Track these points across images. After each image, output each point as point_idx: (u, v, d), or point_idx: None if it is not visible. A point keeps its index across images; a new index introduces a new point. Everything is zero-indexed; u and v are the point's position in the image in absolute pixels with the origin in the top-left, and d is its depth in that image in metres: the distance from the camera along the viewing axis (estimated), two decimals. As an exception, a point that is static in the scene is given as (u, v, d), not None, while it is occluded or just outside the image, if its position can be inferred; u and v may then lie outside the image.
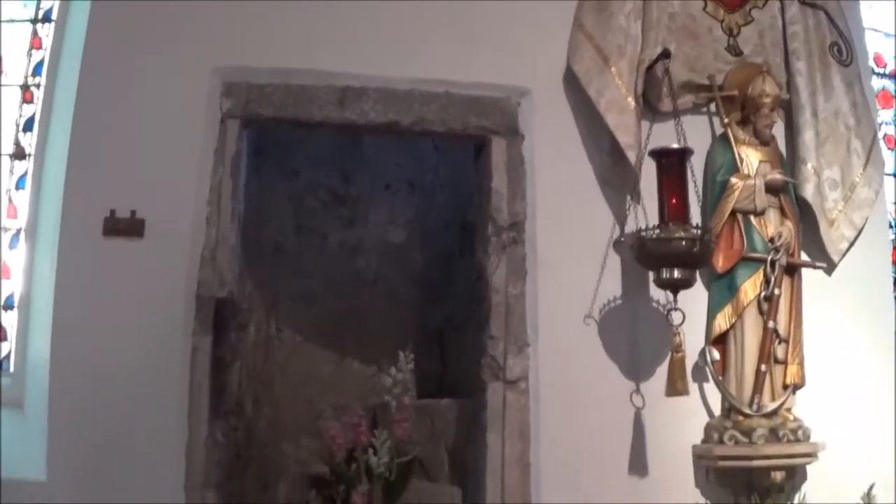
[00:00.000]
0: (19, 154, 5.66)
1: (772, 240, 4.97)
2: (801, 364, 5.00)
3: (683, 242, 4.65)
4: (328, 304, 5.96)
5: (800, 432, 4.89)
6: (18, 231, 5.62)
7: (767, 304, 4.93)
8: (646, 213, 4.90)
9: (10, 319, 5.57)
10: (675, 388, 4.72)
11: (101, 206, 4.92)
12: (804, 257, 5.17)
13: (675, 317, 4.73)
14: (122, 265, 4.90)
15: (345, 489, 4.93)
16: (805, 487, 5.00)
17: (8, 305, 5.58)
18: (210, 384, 4.83)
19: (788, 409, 4.96)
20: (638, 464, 4.94)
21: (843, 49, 5.58)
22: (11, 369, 5.52)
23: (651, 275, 4.83)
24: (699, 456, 4.96)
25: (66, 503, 4.80)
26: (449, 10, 5.19)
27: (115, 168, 4.94)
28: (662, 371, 4.81)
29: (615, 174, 5.07)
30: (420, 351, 5.51)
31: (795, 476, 4.97)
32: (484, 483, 4.87)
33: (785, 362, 4.96)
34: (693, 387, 4.93)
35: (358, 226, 6.13)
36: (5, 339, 5.57)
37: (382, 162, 6.14)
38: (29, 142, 5.67)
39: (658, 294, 4.91)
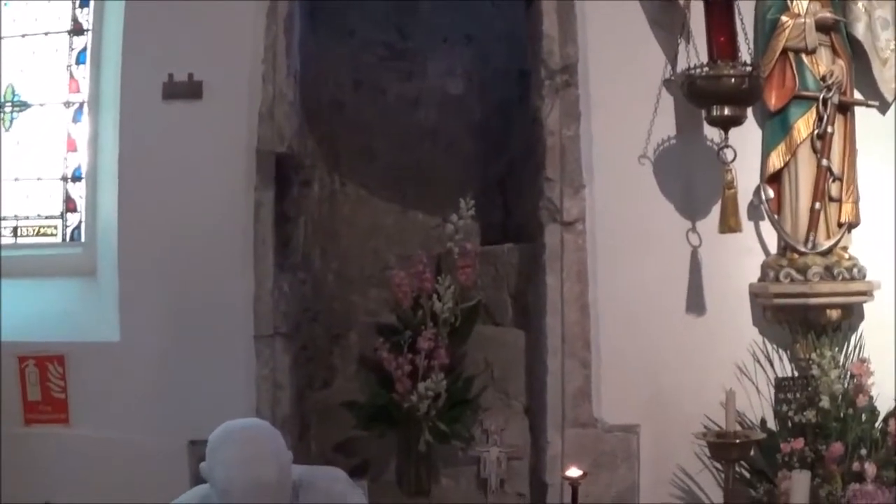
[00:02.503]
0: (77, 30, 5.78)
1: (823, 78, 4.91)
2: (855, 203, 4.96)
3: (732, 79, 4.60)
4: (390, 157, 6.02)
5: (855, 270, 4.86)
6: (81, 104, 5.77)
7: (821, 142, 4.89)
8: (697, 52, 4.84)
9: (79, 191, 5.77)
10: (728, 224, 4.72)
11: (158, 71, 5.07)
12: (857, 96, 5.13)
13: (727, 154, 4.71)
14: (182, 128, 5.07)
15: (411, 335, 5.07)
16: (862, 327, 4.97)
17: (76, 177, 5.77)
18: (274, 238, 4.99)
19: (844, 248, 4.93)
20: (695, 302, 4.98)
21: None
22: (83, 239, 5.72)
23: (703, 113, 4.82)
24: (755, 294, 4.97)
25: (139, 361, 5.04)
26: None
27: (171, 33, 5.06)
28: (718, 210, 4.79)
29: (664, 14, 5.00)
30: (483, 200, 5.64)
31: (852, 315, 4.94)
32: (545, 324, 4.97)
33: (840, 200, 4.92)
34: (749, 225, 4.95)
35: (416, 79, 6.15)
36: (75, 209, 5.75)
37: (438, 17, 6.11)
38: (86, 17, 5.78)
39: (711, 132, 4.89)
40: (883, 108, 5.17)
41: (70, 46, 5.81)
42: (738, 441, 4.41)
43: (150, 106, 5.07)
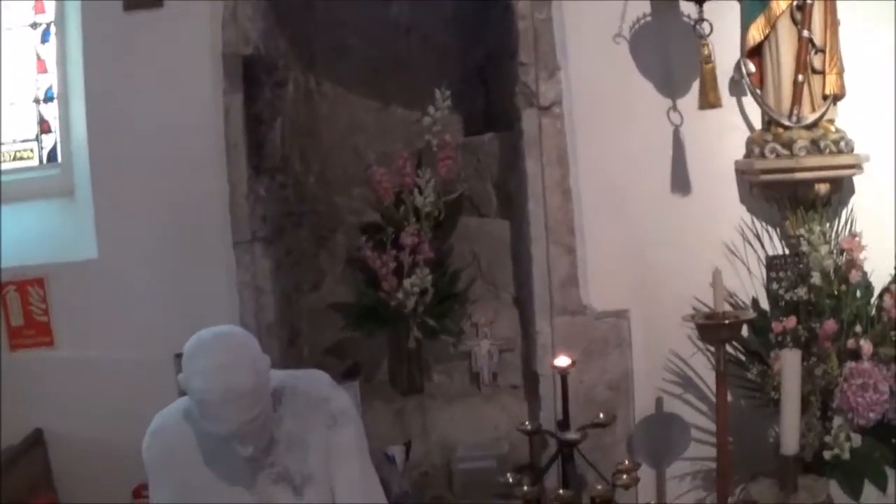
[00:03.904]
0: (38, -54, 5.66)
1: (800, -53, 4.81)
2: (839, 74, 4.82)
3: (704, -46, 4.50)
4: (365, 54, 5.87)
5: (842, 143, 4.74)
6: (48, 25, 5.68)
7: (801, 13, 4.76)
8: (670, -77, 4.74)
9: (52, 111, 5.71)
10: (708, 99, 4.60)
11: (119, -16, 4.93)
12: (835, -31, 5.01)
13: (704, 27, 4.56)
14: (146, 37, 4.97)
15: (394, 231, 5.02)
16: (853, 201, 4.88)
17: (48, 98, 5.70)
18: (246, 141, 4.92)
19: (830, 121, 4.80)
20: (680, 182, 4.90)
21: None
22: (59, 160, 5.67)
23: (678, -11, 4.70)
24: (741, 171, 4.88)
25: (118, 277, 5.03)
26: None
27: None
28: (698, 87, 4.67)
29: None
30: (463, 90, 5.61)
31: (842, 189, 4.85)
32: (527, 212, 4.90)
33: (823, 72, 4.79)
34: (731, 101, 4.84)
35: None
36: (50, 131, 5.69)
37: None
38: (47, -65, 5.65)
39: (688, 7, 4.71)
40: (864, -15, 5.04)
41: (31, -33, 5.70)
42: (726, 321, 4.28)
43: (111, 19, 4.96)
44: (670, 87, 4.89)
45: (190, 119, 4.93)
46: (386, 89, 5.88)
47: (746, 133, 4.93)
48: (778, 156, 4.71)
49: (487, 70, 5.85)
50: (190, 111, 4.93)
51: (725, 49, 4.74)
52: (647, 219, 4.89)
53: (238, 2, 4.88)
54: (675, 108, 4.88)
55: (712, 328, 4.31)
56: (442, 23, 5.90)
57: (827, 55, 4.81)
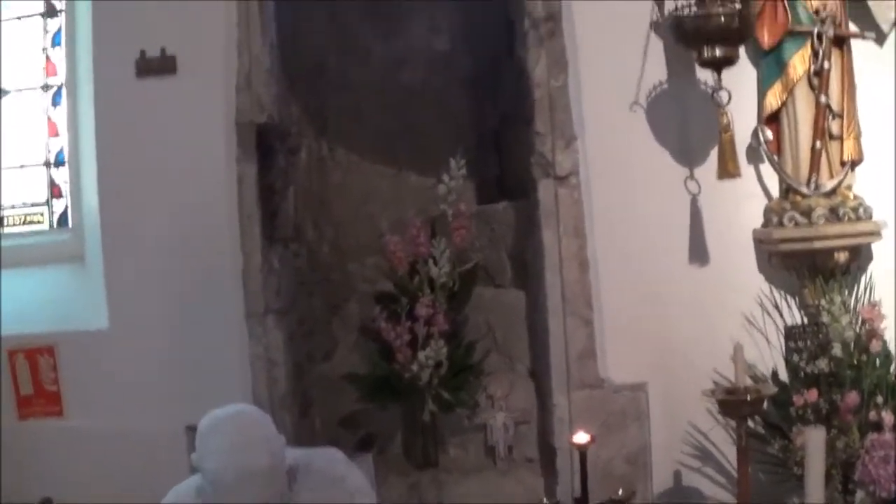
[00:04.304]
0: (50, 11, 5.64)
1: (817, 11, 4.75)
2: (857, 139, 4.79)
3: (722, 18, 4.41)
4: (379, 119, 5.84)
5: (861, 210, 4.70)
6: (59, 87, 5.63)
7: (818, 79, 4.73)
8: (684, -16, 4.71)
9: (63, 175, 5.64)
10: (727, 169, 4.57)
11: (130, 48, 4.91)
12: (852, 28, 4.97)
13: (722, 96, 4.54)
14: (159, 105, 4.93)
15: (408, 302, 4.97)
16: (871, 268, 4.81)
17: (59, 162, 5.64)
18: (260, 211, 4.87)
19: (848, 187, 4.77)
20: (698, 252, 4.85)
21: None
22: (70, 225, 5.62)
23: (694, 55, 4.64)
24: (759, 240, 4.82)
25: (129, 347, 4.95)
26: None
27: (141, 8, 4.88)
28: (716, 155, 4.63)
29: (648, -47, 4.88)
30: (477, 157, 5.58)
31: (860, 256, 4.79)
32: (544, 283, 4.85)
33: (841, 138, 4.76)
34: (748, 169, 4.80)
35: (400, 37, 5.94)
36: (61, 195, 5.64)
37: (416, -34, 5.91)
38: (59, -3, 5.63)
39: (704, 75, 4.71)
40: (880, 38, 5.02)
41: (44, 29, 5.68)
42: (748, 397, 4.21)
43: (124, 85, 4.92)
44: (687, 155, 4.85)
45: (203, 187, 4.87)
46: (399, 155, 5.84)
47: (764, 201, 4.88)
48: (797, 224, 4.67)
49: (502, 135, 5.83)
50: (203, 179, 4.87)
51: (742, 115, 4.71)
52: (664, 289, 4.82)
53: (252, 68, 4.85)
54: (692, 176, 4.83)
55: (734, 404, 4.24)
56: (455, 86, 5.89)
57: (844, 120, 4.79)
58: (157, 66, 4.89)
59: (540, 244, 4.85)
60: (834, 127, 4.75)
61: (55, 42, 5.65)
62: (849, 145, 4.79)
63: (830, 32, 4.73)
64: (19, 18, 5.68)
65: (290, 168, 5.22)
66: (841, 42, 4.83)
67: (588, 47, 4.82)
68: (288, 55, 5.36)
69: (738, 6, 4.47)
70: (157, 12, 4.86)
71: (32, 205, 5.73)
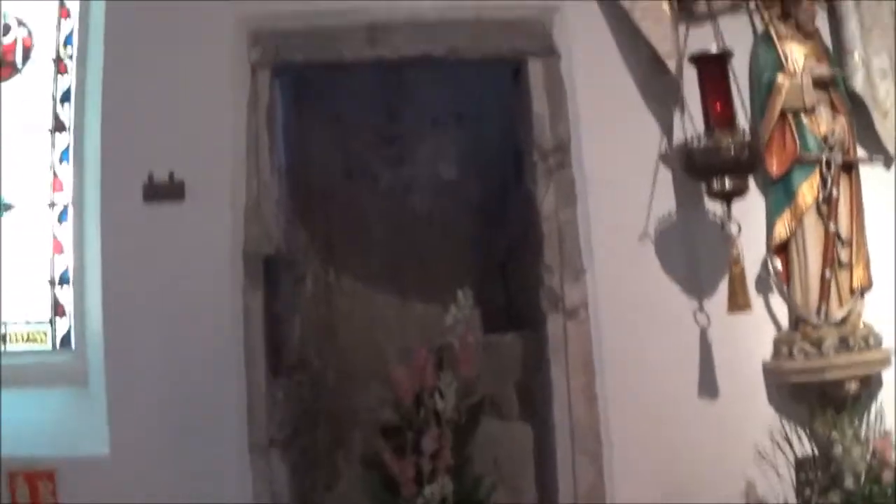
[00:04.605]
0: (59, 127, 5.61)
1: (825, 138, 4.76)
2: (866, 266, 4.80)
3: (731, 150, 4.44)
4: (386, 246, 5.84)
5: (871, 339, 4.70)
6: (66, 206, 5.57)
7: (827, 207, 4.74)
8: (693, 122, 4.70)
9: (67, 295, 5.55)
10: (737, 303, 4.54)
11: (138, 172, 4.88)
12: (860, 153, 4.96)
13: (732, 228, 4.54)
14: (165, 230, 4.87)
15: (413, 436, 4.90)
16: (882, 395, 4.79)
17: (63, 281, 5.56)
18: (266, 342, 4.79)
19: (858, 315, 4.77)
20: (707, 386, 4.81)
21: (881, -71, 5.36)
22: (73, 345, 5.51)
23: (703, 186, 4.65)
24: (770, 372, 4.80)
25: (130, 476, 4.81)
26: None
27: (149, 132, 4.88)
28: (725, 286, 4.61)
29: (656, 84, 4.86)
30: (483, 285, 5.50)
31: (871, 384, 4.77)
32: (552, 419, 4.80)
33: (850, 266, 4.77)
34: (758, 299, 4.79)
35: (407, 164, 5.97)
36: (63, 314, 5.56)
37: (426, 96, 5.95)
38: (67, 114, 5.60)
39: (713, 205, 4.72)
40: (887, 162, 5.03)
41: (52, 144, 5.62)
42: (761, 534, 4.17)
43: (131, 208, 4.87)
44: (697, 287, 4.83)
45: (208, 315, 4.80)
46: (405, 283, 5.82)
47: (774, 331, 4.86)
48: (807, 356, 4.65)
49: (509, 264, 5.81)
50: (208, 307, 4.80)
51: (751, 244, 4.71)
52: (674, 425, 4.76)
53: (261, 197, 4.83)
54: (701, 308, 4.82)
55: (747, 541, 4.19)
56: (463, 214, 5.90)
57: (854, 248, 4.79)
58: (164, 190, 4.86)
59: (548, 379, 4.81)
60: (843, 254, 4.75)
61: (63, 158, 5.60)
62: (858, 273, 4.80)
63: (839, 159, 4.76)
64: (26, 132, 5.66)
65: (296, 296, 5.18)
66: (849, 168, 4.85)
67: (597, 179, 4.84)
68: (296, 181, 5.35)
69: (747, 137, 4.48)
70: (167, 136, 4.86)
71: (36, 323, 5.62)
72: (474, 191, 5.91)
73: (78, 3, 5.57)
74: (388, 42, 4.85)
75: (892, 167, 5.03)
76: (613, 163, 4.83)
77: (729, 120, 4.54)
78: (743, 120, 4.67)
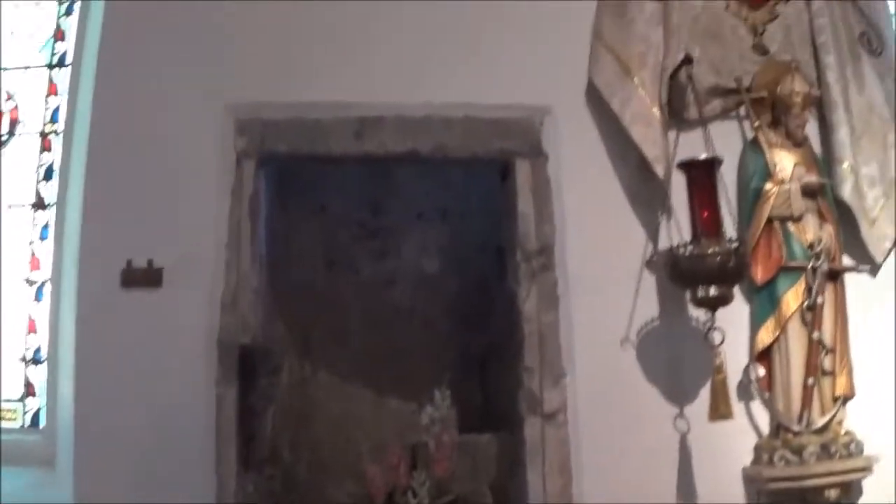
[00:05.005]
0: (39, 204, 5.59)
1: (811, 246, 4.76)
2: (849, 374, 4.78)
3: (718, 258, 4.42)
4: (364, 339, 5.77)
5: (852, 446, 4.68)
6: (43, 283, 5.56)
7: (811, 314, 4.72)
8: (679, 228, 4.72)
9: (39, 374, 5.51)
10: (718, 412, 4.51)
11: (117, 256, 4.83)
12: (846, 261, 4.96)
13: (715, 336, 4.52)
14: (141, 317, 4.81)
15: (385, 534, 4.84)
16: (860, 501, 4.79)
17: (36, 360, 5.52)
18: (238, 434, 4.71)
19: (839, 423, 4.75)
20: (686, 491, 4.74)
21: (874, 39, 5.39)
22: (42, 426, 5.47)
23: (688, 293, 4.62)
24: (749, 478, 4.75)
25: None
26: (462, 31, 5.05)
27: (131, 216, 4.84)
28: (706, 392, 4.59)
29: (644, 189, 4.88)
30: (461, 382, 5.42)
31: (851, 492, 4.75)
32: (528, 523, 4.72)
33: (833, 373, 4.74)
34: (739, 405, 4.76)
35: (390, 257, 5.94)
36: (34, 394, 5.50)
37: (412, 190, 5.94)
38: (49, 191, 5.61)
39: (697, 311, 4.69)
40: (873, 270, 5.02)
41: (33, 221, 5.63)
42: None
43: (108, 292, 4.81)
44: (678, 393, 4.79)
45: (180, 404, 4.71)
46: (381, 378, 5.74)
47: (755, 437, 4.81)
48: (787, 463, 4.62)
49: (488, 363, 5.75)
50: (181, 396, 4.71)
51: (733, 349, 4.67)
52: (650, 528, 4.71)
53: (239, 288, 4.77)
54: (682, 414, 4.77)
55: None
56: (442, 309, 5.85)
57: (837, 355, 4.79)
58: (142, 277, 4.80)
59: (524, 482, 4.73)
60: (826, 362, 4.73)
61: (43, 236, 5.59)
62: (841, 381, 4.79)
63: (825, 267, 4.76)
64: (10, 207, 5.64)
65: (270, 388, 5.10)
66: (835, 275, 4.84)
67: (580, 282, 4.81)
68: (277, 271, 5.31)
69: (734, 246, 4.46)
70: (148, 220, 4.82)
71: (6, 401, 5.56)
72: (456, 286, 5.87)
73: (67, 79, 5.58)
74: (376, 137, 4.84)
75: (878, 275, 5.02)
76: (598, 266, 4.81)
77: (716, 228, 4.52)
78: (730, 227, 4.66)
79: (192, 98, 4.87)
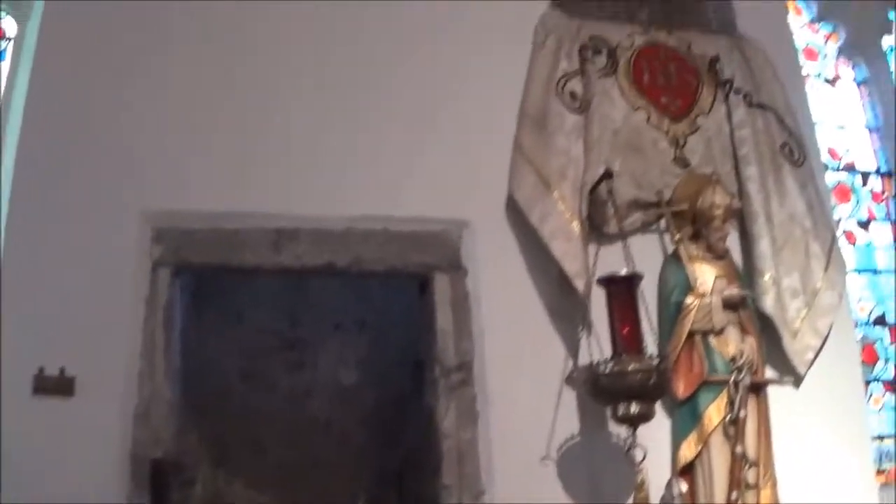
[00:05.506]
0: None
1: (733, 359, 4.75)
2: (774, 486, 4.77)
3: (639, 375, 4.40)
4: (280, 451, 5.66)
5: (777, 563, 4.66)
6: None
7: (734, 428, 4.69)
8: (599, 343, 4.68)
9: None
10: (642, 529, 4.46)
11: (30, 363, 4.68)
12: (769, 373, 4.98)
13: (637, 454, 4.47)
14: (52, 427, 4.65)
15: None
16: None
17: (-51, 465, 5.35)
18: (148, 553, 4.57)
19: (764, 534, 4.72)
20: None
21: (795, 149, 5.47)
22: (-53, 531, 5.28)
23: (608, 409, 4.57)
24: None
25: None
26: (381, 143, 5.04)
27: (44, 322, 4.69)
28: (630, 511, 4.55)
29: (564, 304, 4.86)
30: (379, 497, 5.41)
31: None
32: None
33: (757, 487, 4.71)
34: (663, 521, 4.70)
35: (307, 369, 5.88)
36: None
37: (330, 301, 5.90)
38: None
39: (618, 428, 4.64)
40: (797, 382, 5.03)
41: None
42: None
43: (19, 399, 4.66)
44: (597, 510, 4.72)
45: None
46: (299, 491, 5.60)
47: (680, 552, 4.74)
48: (710, 581, 4.55)
49: (406, 478, 5.64)
50: (96, 511, 4.62)
51: (654, 464, 4.61)
52: None
53: (152, 400, 4.65)
54: (602, 535, 4.70)
55: None
56: (361, 422, 5.78)
57: (761, 468, 4.77)
58: (54, 385, 4.67)
59: None
60: (750, 476, 4.70)
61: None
62: (765, 493, 4.78)
63: (747, 381, 4.75)
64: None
65: (183, 501, 5.00)
66: (758, 388, 4.84)
67: (500, 398, 4.75)
68: (191, 382, 5.20)
69: (655, 362, 4.43)
70: (61, 329, 4.67)
71: (-86, 505, 5.42)
72: (373, 399, 5.80)
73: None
74: (293, 250, 4.78)
75: (801, 386, 5.03)
76: (517, 382, 4.77)
77: (637, 344, 4.51)
78: (651, 343, 4.64)
79: (109, 205, 4.77)
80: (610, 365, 4.46)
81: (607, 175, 4.94)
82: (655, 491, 4.61)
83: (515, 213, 4.95)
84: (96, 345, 4.69)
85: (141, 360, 4.66)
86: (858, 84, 7.21)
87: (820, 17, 7.22)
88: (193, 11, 5.01)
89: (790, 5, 7.01)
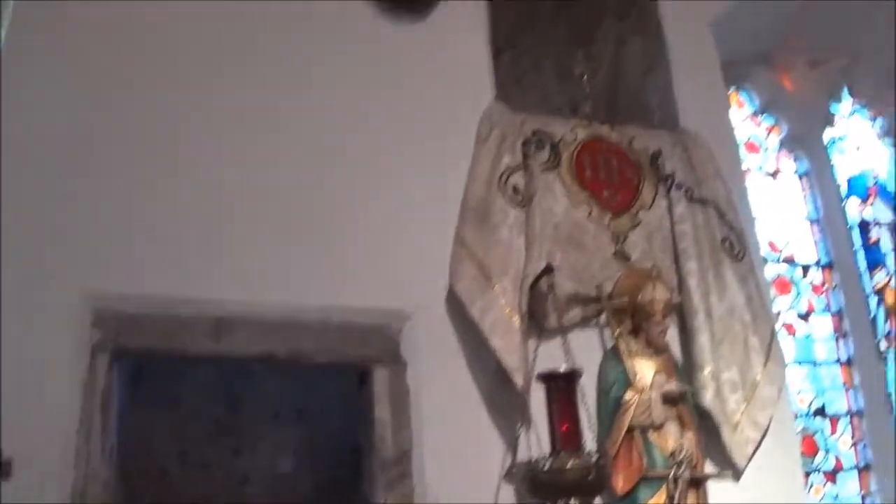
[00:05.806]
0: None
1: (673, 454, 4.76)
2: None
3: (577, 472, 4.36)
4: None
5: None
6: None
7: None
8: (539, 438, 4.67)
9: None
10: None
11: (-35, 445, 4.63)
12: (708, 467, 4.98)
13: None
14: (-11, 509, 4.61)
15: None
16: None
17: None
18: None
19: None
20: None
21: (735, 243, 5.53)
22: None
23: (547, 505, 4.56)
24: None
25: None
26: (322, 232, 5.03)
27: (-22, 408, 4.65)
28: None
29: (504, 398, 4.85)
30: None
31: None
32: None
33: None
34: None
35: (245, 456, 5.85)
36: None
37: (270, 389, 5.90)
38: None
39: (558, 523, 4.64)
40: (736, 475, 5.04)
41: None
42: None
43: None
44: None
45: None
46: None
47: None
48: None
49: None
50: None
51: None
52: None
53: (88, 483, 4.53)
54: None
55: None
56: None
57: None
58: (-9, 468, 4.64)
59: None
60: None
61: None
62: None
63: (687, 475, 4.74)
64: None
65: None
66: (697, 483, 4.85)
67: (438, 492, 4.69)
68: (129, 463, 5.15)
69: (594, 458, 4.43)
70: (-3, 411, 4.65)
71: None
72: (310, 487, 5.77)
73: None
74: (233, 338, 4.73)
75: (742, 479, 5.04)
76: (455, 476, 4.71)
77: (576, 441, 4.48)
78: (590, 438, 4.63)
79: (51, 282, 4.72)
80: (549, 462, 4.43)
81: (548, 269, 4.97)
82: None
83: (456, 305, 4.95)
84: (34, 427, 4.61)
85: (77, 441, 4.61)
86: (800, 176, 7.34)
87: (762, 110, 7.36)
88: (133, 100, 5.01)
89: (733, 98, 7.14)
